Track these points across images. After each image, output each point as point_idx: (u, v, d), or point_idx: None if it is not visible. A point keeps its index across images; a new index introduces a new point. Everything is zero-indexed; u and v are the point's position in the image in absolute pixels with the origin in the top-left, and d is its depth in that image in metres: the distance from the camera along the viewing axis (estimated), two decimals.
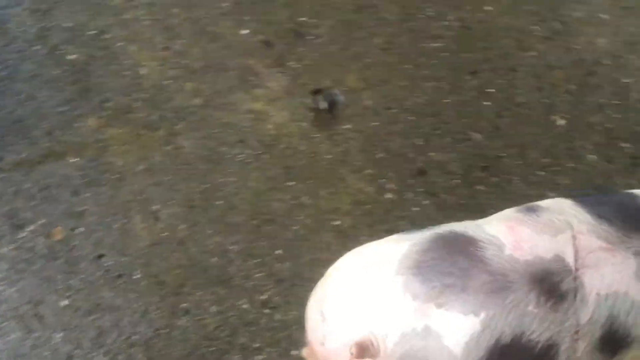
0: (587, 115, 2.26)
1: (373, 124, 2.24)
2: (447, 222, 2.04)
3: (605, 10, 2.46)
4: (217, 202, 2.02)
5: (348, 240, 1.98)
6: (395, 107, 2.28)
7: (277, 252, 1.92)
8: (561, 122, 2.25)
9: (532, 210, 1.19)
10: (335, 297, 1.16)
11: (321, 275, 1.88)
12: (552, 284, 1.08)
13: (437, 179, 2.13)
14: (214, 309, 1.79)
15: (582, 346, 1.12)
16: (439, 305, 1.05)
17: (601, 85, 2.32)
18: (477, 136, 2.22)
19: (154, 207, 1.98)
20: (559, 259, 1.10)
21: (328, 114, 2.23)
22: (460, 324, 1.04)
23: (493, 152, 2.18)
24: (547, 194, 2.10)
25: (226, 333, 1.74)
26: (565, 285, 1.09)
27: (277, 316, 1.79)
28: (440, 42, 2.41)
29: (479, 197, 2.10)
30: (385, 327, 1.07)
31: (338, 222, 2.01)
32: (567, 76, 2.34)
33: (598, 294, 1.11)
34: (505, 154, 2.18)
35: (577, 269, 1.10)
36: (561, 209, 1.19)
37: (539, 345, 1.07)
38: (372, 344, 1.07)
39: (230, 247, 1.93)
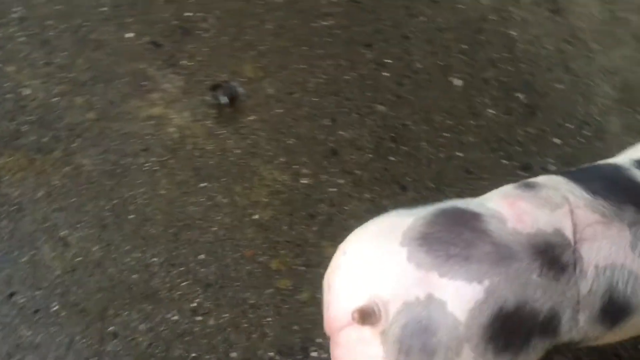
0: (481, 71, 2.32)
1: (278, 111, 2.21)
2: (366, 197, 2.07)
3: None
4: (130, 217, 1.93)
5: (270, 232, 1.96)
6: (298, 91, 2.26)
7: (199, 257, 1.87)
8: (458, 82, 2.30)
9: (530, 186, 1.23)
10: (341, 267, 1.18)
11: (249, 272, 1.86)
12: (553, 256, 1.11)
13: (349, 157, 2.13)
14: (143, 326, 1.72)
15: (583, 317, 1.16)
16: (443, 274, 1.07)
17: (490, 41, 2.39)
18: (381, 108, 2.24)
19: (62, 233, 1.87)
20: (559, 232, 1.14)
21: (230, 108, 2.18)
22: (464, 292, 1.06)
23: (399, 122, 2.21)
24: (456, 153, 2.16)
25: (160, 349, 1.68)
26: (566, 257, 1.12)
27: (211, 321, 1.74)
28: (331, 20, 2.40)
29: (392, 169, 2.12)
30: (388, 294, 1.08)
31: (257, 216, 1.98)
32: (458, 37, 2.39)
33: (596, 266, 1.15)
34: (410, 122, 2.21)
35: (575, 242, 1.14)
36: (556, 185, 1.23)
37: (542, 315, 1.10)
38: (374, 311, 1.07)
39: (151, 260, 1.85)
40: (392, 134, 2.19)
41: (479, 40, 2.39)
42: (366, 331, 1.10)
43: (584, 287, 1.14)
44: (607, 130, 2.20)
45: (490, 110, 2.24)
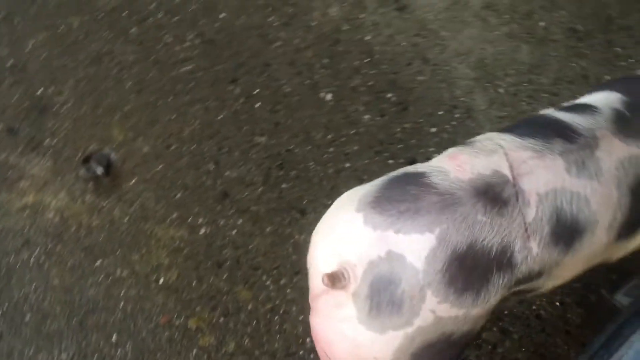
0: (348, 81, 2.37)
1: (158, 168, 2.14)
2: (268, 230, 2.04)
3: None
4: (26, 318, 1.80)
5: (180, 292, 1.89)
6: (174, 142, 2.20)
7: (112, 339, 1.77)
8: (328, 96, 2.34)
9: (467, 143, 1.34)
10: (314, 244, 1.29)
11: (168, 339, 1.78)
12: (494, 194, 1.21)
13: (242, 195, 2.10)
14: None
15: (534, 244, 1.24)
16: (397, 231, 1.17)
17: (348, 50, 2.45)
18: (261, 139, 2.23)
19: None
20: (497, 173, 1.24)
21: (107, 177, 2.09)
22: (417, 242, 1.16)
23: (282, 148, 2.21)
24: (344, 165, 2.19)
25: None
26: (506, 192, 1.22)
27: None
28: (190, 64, 2.37)
29: (286, 195, 2.12)
30: (354, 258, 1.19)
31: (162, 280, 1.90)
32: (317, 53, 2.43)
33: (538, 194, 1.24)
34: (293, 145, 2.22)
35: (514, 178, 1.24)
36: (490, 137, 1.35)
37: (494, 249, 1.19)
38: (343, 275, 1.17)
39: (61, 357, 1.73)
40: (278, 162, 2.18)
41: (338, 52, 2.44)
42: (340, 295, 1.20)
43: (529, 214, 1.23)
44: (475, 109, 2.31)
45: (366, 116, 2.30)
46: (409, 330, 1.18)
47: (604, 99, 1.47)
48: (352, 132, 2.26)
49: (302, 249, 2.03)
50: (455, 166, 1.25)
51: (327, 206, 2.06)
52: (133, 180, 2.10)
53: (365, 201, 1.23)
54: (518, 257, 1.22)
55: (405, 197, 1.20)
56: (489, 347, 1.93)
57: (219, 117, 2.27)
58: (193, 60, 2.38)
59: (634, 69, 2.52)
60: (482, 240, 1.18)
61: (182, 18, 2.47)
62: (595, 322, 1.96)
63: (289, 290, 1.97)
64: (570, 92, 2.42)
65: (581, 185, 1.28)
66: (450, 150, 1.34)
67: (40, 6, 2.43)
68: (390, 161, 2.21)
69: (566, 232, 1.27)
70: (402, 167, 2.13)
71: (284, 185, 2.14)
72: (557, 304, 1.99)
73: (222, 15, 2.50)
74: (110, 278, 1.91)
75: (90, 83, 2.28)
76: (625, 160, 1.34)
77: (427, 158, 2.15)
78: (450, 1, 2.62)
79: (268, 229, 2.05)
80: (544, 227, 1.24)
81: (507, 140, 1.32)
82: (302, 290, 1.97)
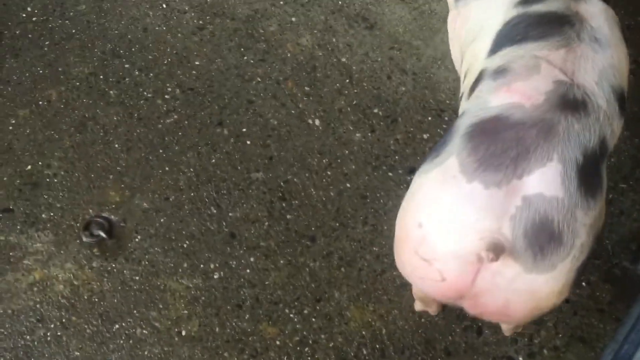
0: (333, 104, 2.38)
1: (161, 220, 2.11)
2: (282, 263, 2.02)
3: (291, 14, 2.62)
4: None
5: (205, 341, 1.86)
6: (171, 194, 2.18)
7: None
8: (316, 122, 2.34)
9: (501, 71, 1.38)
10: (427, 236, 1.26)
11: None
12: (573, 101, 1.29)
13: (249, 233, 2.08)
14: None
15: (615, 124, 1.38)
16: (520, 176, 1.20)
17: (328, 74, 2.47)
18: (258, 175, 2.22)
19: None
20: (558, 82, 1.31)
21: (112, 240, 2.05)
22: (546, 175, 1.21)
23: (280, 180, 2.20)
24: (345, 186, 2.18)
25: None
26: (578, 94, 1.31)
27: None
28: (174, 115, 2.36)
29: (293, 226, 2.10)
30: (493, 224, 1.19)
31: (184, 332, 1.86)
32: (298, 81, 2.45)
33: (595, 82, 1.35)
34: (291, 175, 2.21)
35: (571, 79, 1.33)
36: (517, 53, 1.40)
37: (597, 147, 1.29)
38: (499, 240, 1.18)
39: None
40: (279, 194, 2.17)
41: (318, 78, 2.46)
42: (492, 266, 1.21)
43: (602, 103, 1.33)
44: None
45: (357, 134, 2.30)
46: (574, 252, 1.24)
47: None
48: (346, 152, 2.26)
49: (318, 275, 2.01)
50: (521, 97, 1.30)
51: (336, 228, 2.07)
52: (137, 238, 2.07)
53: (469, 170, 1.23)
54: (610, 142, 1.36)
55: (507, 144, 1.22)
56: (525, 339, 1.90)
57: (212, 161, 2.25)
58: (176, 111, 2.38)
59: None
60: (588, 144, 1.26)
61: (158, 72, 2.48)
62: (625, 295, 1.94)
63: (313, 319, 1.93)
64: None
65: (607, 57, 1.41)
66: (492, 83, 1.38)
67: (15, 85, 2.42)
68: (390, 174, 2.21)
69: (621, 100, 1.41)
70: (404, 177, 2.16)
71: (289, 216, 2.12)
72: (584, 284, 1.97)
73: (197, 63, 2.51)
74: (132, 340, 1.86)
75: (78, 150, 2.27)
76: (603, 11, 1.51)
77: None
78: (416, 12, 2.67)
79: (281, 262, 2.02)
80: (612, 105, 1.36)
81: (535, 47, 1.39)
82: (328, 317, 1.93)
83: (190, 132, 2.32)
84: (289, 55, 2.53)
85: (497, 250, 1.18)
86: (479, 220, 1.20)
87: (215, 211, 2.13)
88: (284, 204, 2.14)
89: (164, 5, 2.67)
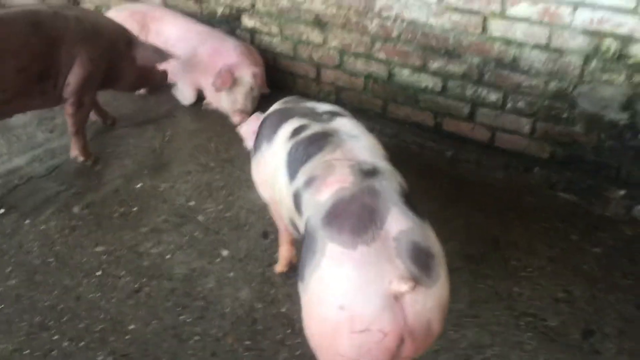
0: (275, 355, 2.27)
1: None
2: None
3: (229, 269, 2.64)
4: None
5: None
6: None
7: None
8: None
9: (312, 178, 1.79)
10: (345, 296, 1.49)
11: None
12: (368, 171, 1.74)
13: None
14: None
15: (397, 175, 1.85)
16: (381, 227, 1.56)
17: (269, 326, 2.40)
18: None
19: None
20: (350, 165, 1.77)
21: None
22: (394, 216, 1.60)
23: None
24: None
25: None
26: (366, 166, 1.77)
27: None
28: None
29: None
30: (389, 265, 1.50)
31: None
32: (238, 337, 2.36)
33: (369, 156, 1.86)
34: None
35: (356, 161, 1.80)
36: (313, 167, 1.84)
37: (397, 186, 1.76)
38: (401, 274, 1.48)
39: None
40: None
41: (258, 331, 2.38)
42: (409, 295, 1.48)
43: (381, 165, 1.83)
44: None
45: None
46: (441, 259, 1.62)
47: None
48: None
49: None
50: (338, 182, 1.68)
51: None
52: None
53: (348, 242, 1.52)
54: (403, 185, 1.81)
55: (357, 212, 1.58)
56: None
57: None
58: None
59: (534, 277, 2.67)
60: (397, 187, 1.73)
61: (90, 340, 2.35)
62: None
63: None
64: (490, 311, 2.47)
65: (365, 141, 1.97)
66: (316, 185, 1.76)
67: None
68: None
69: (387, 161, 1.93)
70: None
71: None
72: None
73: (131, 327, 2.41)
74: None
75: None
76: (348, 120, 2.10)
77: None
78: None
79: None
80: (388, 166, 1.88)
81: (321, 156, 1.84)
82: None
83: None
84: (227, 310, 2.48)
85: (404, 281, 1.44)
86: (379, 270, 1.47)
87: None
88: None
89: (99, 272, 2.65)
